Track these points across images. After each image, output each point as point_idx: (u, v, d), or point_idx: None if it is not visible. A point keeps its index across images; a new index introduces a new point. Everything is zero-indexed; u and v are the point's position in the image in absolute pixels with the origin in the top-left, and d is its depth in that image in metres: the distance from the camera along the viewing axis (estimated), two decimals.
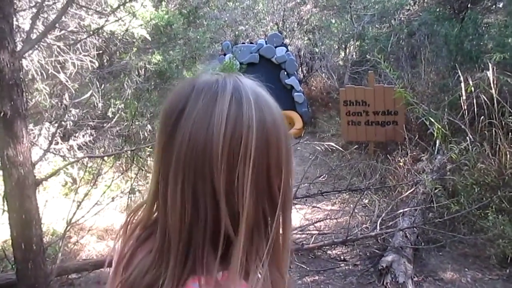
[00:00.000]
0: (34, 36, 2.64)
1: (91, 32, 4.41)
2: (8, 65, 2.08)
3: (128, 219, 0.74)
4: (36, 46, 3.38)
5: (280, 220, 0.66)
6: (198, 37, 8.14)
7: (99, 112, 5.87)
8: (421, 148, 5.42)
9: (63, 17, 4.07)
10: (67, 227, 2.81)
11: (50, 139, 3.29)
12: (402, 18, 8.61)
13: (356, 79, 8.24)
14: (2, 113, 2.09)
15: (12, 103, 2.11)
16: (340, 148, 4.99)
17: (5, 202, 2.21)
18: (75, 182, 5.01)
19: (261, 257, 0.63)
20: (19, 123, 2.14)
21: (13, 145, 2.13)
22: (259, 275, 0.62)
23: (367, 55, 7.35)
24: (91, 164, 5.35)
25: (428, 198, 4.42)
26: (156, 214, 0.70)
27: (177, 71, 7.07)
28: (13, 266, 2.46)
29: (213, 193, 0.61)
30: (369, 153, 5.99)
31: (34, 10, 2.75)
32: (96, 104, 5.77)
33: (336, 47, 9.68)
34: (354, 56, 8.93)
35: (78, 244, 3.89)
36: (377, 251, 3.84)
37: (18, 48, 2.20)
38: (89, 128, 5.59)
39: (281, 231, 0.67)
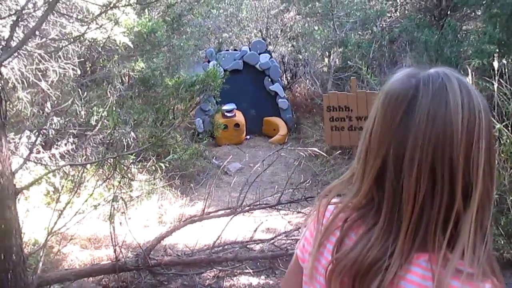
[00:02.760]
0: (14, 44, 2.61)
1: (72, 40, 4.38)
2: None
3: (322, 201, 0.81)
4: (16, 54, 3.34)
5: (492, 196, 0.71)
6: (182, 44, 8.14)
7: (82, 120, 5.82)
8: None
9: (44, 25, 4.03)
10: (48, 236, 2.77)
11: (30, 148, 3.24)
12: (384, 25, 8.75)
13: (339, 85, 8.33)
14: None
15: None
16: (324, 154, 5.03)
17: None
18: (57, 191, 4.94)
19: (484, 233, 0.69)
20: None
21: None
22: (482, 258, 0.66)
23: (349, 62, 7.44)
24: (74, 173, 5.28)
25: None
26: (368, 197, 0.75)
27: (161, 78, 7.06)
28: None
29: (450, 171, 0.67)
30: (353, 158, 6.04)
31: (14, 18, 2.73)
32: (78, 112, 5.72)
33: (320, 53, 9.77)
34: (337, 63, 9.03)
35: (60, 254, 3.82)
36: None
37: None
38: (71, 136, 5.53)
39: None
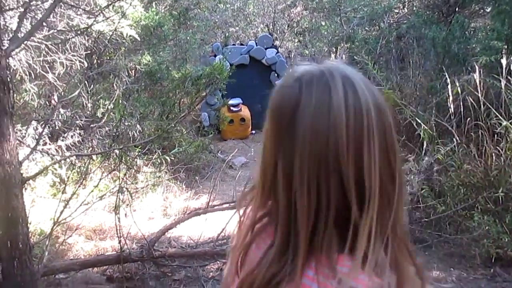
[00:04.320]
0: (21, 35, 2.63)
1: (79, 32, 4.40)
2: None
3: (241, 209, 0.77)
4: (24, 46, 3.36)
5: (397, 199, 0.66)
6: (188, 38, 8.14)
7: (88, 112, 5.85)
8: (408, 149, 5.46)
9: (52, 16, 4.06)
10: (54, 225, 2.80)
11: (38, 138, 3.28)
12: (391, 21, 8.70)
13: None
14: None
15: (0, 101, 2.11)
16: None
17: None
18: (63, 182, 4.98)
19: (383, 240, 0.64)
20: (5, 121, 2.13)
21: (0, 143, 2.12)
22: (381, 261, 0.63)
23: (356, 57, 7.42)
24: (80, 164, 5.32)
25: (414, 198, 4.47)
26: (270, 206, 0.73)
27: (167, 72, 7.07)
28: None
29: (339, 179, 0.63)
30: None
31: (22, 9, 2.75)
32: (85, 105, 5.75)
33: (326, 49, 9.75)
34: (343, 58, 8.99)
35: (66, 244, 3.86)
36: None
37: (5, 47, 2.19)
38: (77, 128, 5.56)
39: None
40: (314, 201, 0.64)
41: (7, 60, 2.20)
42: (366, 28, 8.89)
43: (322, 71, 0.67)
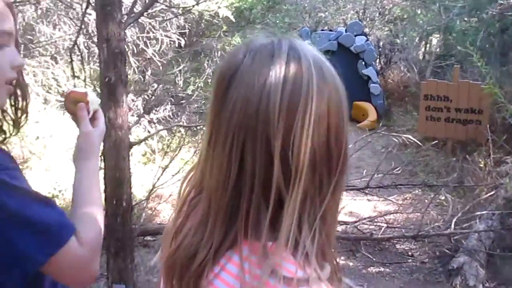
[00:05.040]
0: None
1: (180, 12, 4.61)
2: (115, 35, 2.26)
3: (182, 185, 0.70)
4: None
5: (333, 188, 0.61)
6: (277, 21, 8.19)
7: (179, 89, 6.14)
8: (505, 151, 5.11)
9: None
10: (151, 190, 3.01)
11: (144, 107, 3.52)
12: (494, 12, 8.06)
13: (438, 73, 7.88)
14: (107, 79, 2.27)
15: (116, 70, 2.29)
16: (418, 142, 4.82)
17: (103, 161, 2.41)
18: (153, 152, 5.32)
19: (311, 225, 0.59)
20: (120, 89, 2.31)
21: (114, 108, 2.31)
22: (308, 247, 0.58)
23: (452, 49, 7.00)
24: (169, 138, 5.64)
25: (509, 203, 4.19)
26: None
27: None
28: None
29: (266, 153, 0.58)
30: (447, 151, 5.74)
31: None
32: (177, 81, 6.04)
33: (418, 39, 9.29)
34: (437, 50, 8.53)
35: (154, 210, 4.14)
36: (447, 251, 3.72)
37: (124, 20, 2.37)
38: (169, 103, 5.87)
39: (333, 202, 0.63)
40: (234, 173, 0.59)
41: (124, 32, 2.37)
42: (465, 19, 8.33)
43: (272, 41, 0.62)
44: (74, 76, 2.95)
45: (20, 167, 0.88)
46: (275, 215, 0.59)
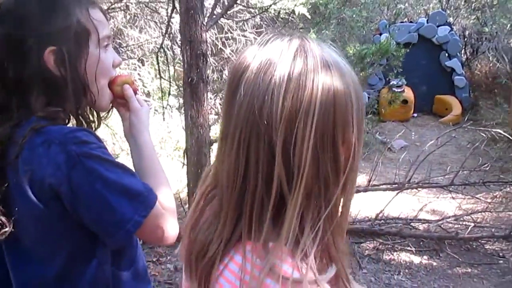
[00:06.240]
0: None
1: (257, 12, 4.70)
2: (197, 37, 2.38)
3: (201, 180, 0.73)
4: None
5: (341, 189, 0.62)
6: (354, 15, 8.00)
7: None
8: None
9: None
10: None
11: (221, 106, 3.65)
12: None
13: None
14: (189, 79, 2.40)
15: (198, 70, 2.42)
16: (509, 137, 4.47)
17: (185, 157, 2.55)
18: None
19: (314, 225, 0.60)
20: (202, 89, 2.44)
21: (196, 107, 2.45)
22: (308, 247, 0.59)
23: None
24: None
25: None
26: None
27: None
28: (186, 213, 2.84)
29: (269, 151, 0.59)
30: None
31: None
32: None
33: (510, 26, 8.58)
34: None
35: None
36: None
37: (205, 22, 2.49)
38: None
39: (341, 203, 0.64)
40: (242, 170, 0.61)
41: (206, 34, 2.49)
42: None
43: (282, 40, 0.62)
44: (160, 77, 3.13)
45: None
46: (279, 214, 0.60)
